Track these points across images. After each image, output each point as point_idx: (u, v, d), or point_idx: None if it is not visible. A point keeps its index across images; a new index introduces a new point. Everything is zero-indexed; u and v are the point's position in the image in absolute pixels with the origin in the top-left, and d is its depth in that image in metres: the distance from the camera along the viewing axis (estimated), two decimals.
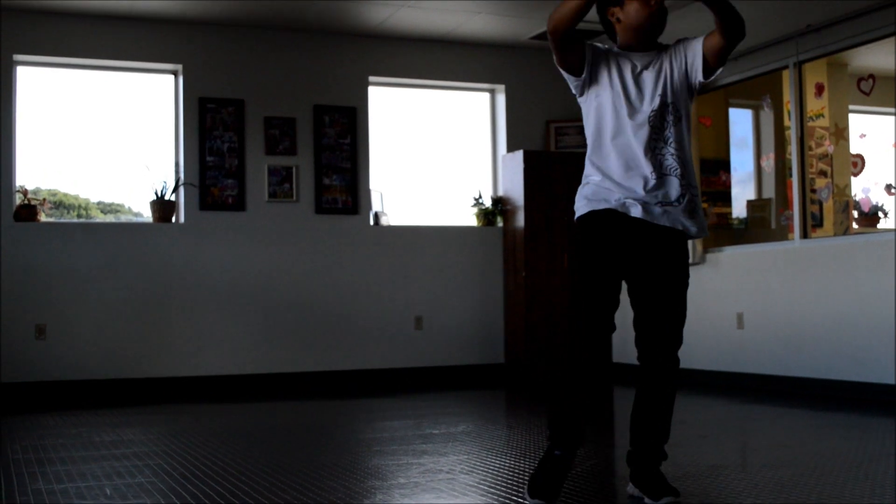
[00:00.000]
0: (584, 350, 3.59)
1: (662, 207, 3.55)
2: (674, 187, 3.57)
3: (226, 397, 8.16)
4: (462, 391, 8.49)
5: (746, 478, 4.19)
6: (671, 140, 3.58)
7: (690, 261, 8.30)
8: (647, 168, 3.54)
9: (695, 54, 3.60)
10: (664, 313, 3.61)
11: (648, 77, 3.61)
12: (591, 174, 3.65)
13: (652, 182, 3.54)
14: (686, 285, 3.67)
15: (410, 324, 9.34)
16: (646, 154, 3.55)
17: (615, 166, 3.58)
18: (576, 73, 3.63)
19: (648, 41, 3.67)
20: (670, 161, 3.57)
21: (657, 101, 3.58)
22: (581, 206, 3.65)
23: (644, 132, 3.56)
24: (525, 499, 3.58)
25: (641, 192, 3.54)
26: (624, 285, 3.64)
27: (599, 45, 3.72)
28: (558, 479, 3.59)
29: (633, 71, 3.63)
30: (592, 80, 3.65)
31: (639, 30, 3.60)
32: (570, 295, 8.93)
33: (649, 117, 3.58)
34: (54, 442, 5.58)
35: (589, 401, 3.70)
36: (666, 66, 3.62)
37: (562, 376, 3.69)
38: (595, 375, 3.65)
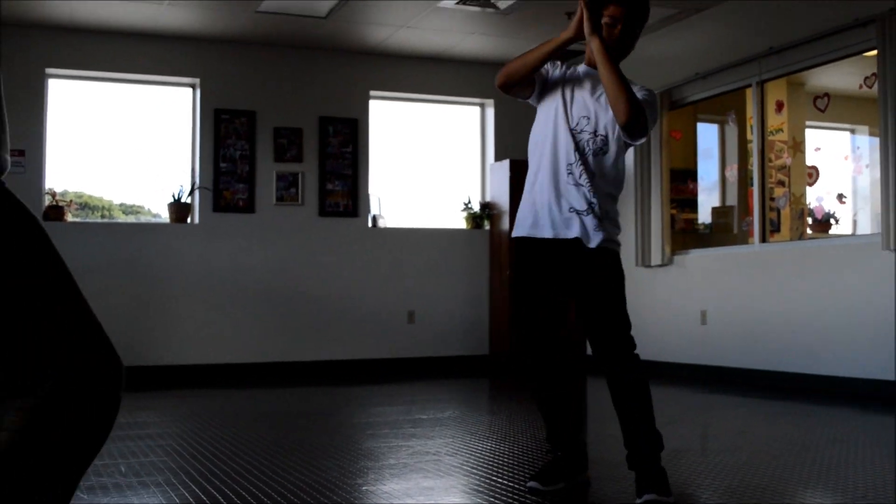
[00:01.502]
0: (527, 359, 3.59)
1: (571, 214, 3.45)
2: (583, 198, 3.44)
3: (234, 384, 8.16)
4: (449, 380, 8.50)
5: (706, 461, 4.21)
6: (589, 168, 3.45)
7: (659, 262, 8.36)
8: (561, 179, 3.48)
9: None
10: (600, 324, 3.46)
11: (590, 102, 3.52)
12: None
13: (561, 192, 3.47)
14: (612, 291, 3.47)
15: (404, 317, 9.34)
16: (565, 169, 3.47)
17: (533, 176, 3.58)
18: (525, 98, 3.69)
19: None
20: (584, 177, 3.45)
21: (591, 126, 3.49)
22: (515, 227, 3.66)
23: (569, 149, 3.47)
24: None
25: (551, 202, 3.48)
26: None
27: (559, 64, 3.68)
28: (557, 473, 3.56)
29: (578, 90, 3.56)
30: (542, 96, 3.63)
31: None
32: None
33: (577, 136, 3.49)
34: None
35: (557, 403, 3.62)
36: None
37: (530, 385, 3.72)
38: (547, 384, 3.59)
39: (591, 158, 3.45)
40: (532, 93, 3.63)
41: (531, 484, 3.54)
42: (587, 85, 3.55)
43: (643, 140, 3.55)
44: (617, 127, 3.43)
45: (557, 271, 3.51)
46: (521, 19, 8.15)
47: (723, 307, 7.97)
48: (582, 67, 3.62)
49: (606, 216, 3.47)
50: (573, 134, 3.47)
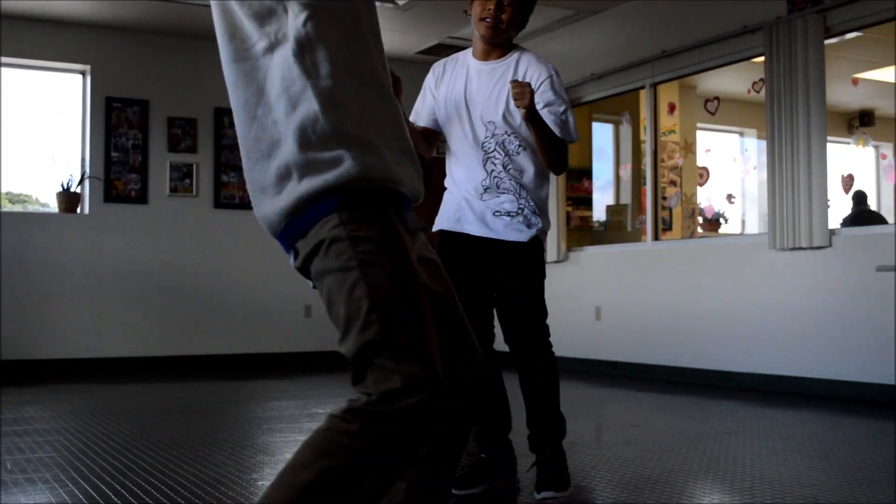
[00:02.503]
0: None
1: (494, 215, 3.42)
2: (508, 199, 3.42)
3: (126, 378, 8.00)
4: (347, 374, 8.43)
5: (600, 454, 4.26)
6: (511, 166, 3.42)
7: (555, 259, 8.45)
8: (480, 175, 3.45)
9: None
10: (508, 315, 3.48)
11: (485, 86, 3.44)
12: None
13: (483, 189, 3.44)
14: (526, 287, 3.46)
15: (301, 311, 9.27)
16: (481, 177, 3.44)
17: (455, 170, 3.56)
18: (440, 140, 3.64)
19: (489, 49, 3.47)
20: (508, 182, 3.42)
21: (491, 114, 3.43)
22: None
23: (479, 156, 3.44)
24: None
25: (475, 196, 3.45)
26: None
27: (436, 70, 3.57)
28: (477, 475, 3.46)
29: (469, 81, 3.47)
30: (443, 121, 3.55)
31: (478, 36, 3.43)
32: None
33: (483, 141, 3.44)
34: None
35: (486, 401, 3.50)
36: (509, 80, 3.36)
37: None
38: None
39: (511, 160, 3.42)
40: (437, 135, 3.61)
41: None
42: (483, 83, 3.45)
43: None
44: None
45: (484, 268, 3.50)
46: (418, 14, 8.16)
47: (617, 303, 8.10)
48: (473, 63, 3.49)
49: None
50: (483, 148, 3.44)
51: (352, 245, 1.72)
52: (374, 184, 1.78)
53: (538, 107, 3.30)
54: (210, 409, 6.18)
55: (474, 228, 3.43)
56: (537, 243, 3.48)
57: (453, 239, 3.49)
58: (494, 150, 3.42)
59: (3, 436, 4.76)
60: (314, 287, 1.85)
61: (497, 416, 3.56)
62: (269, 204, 1.84)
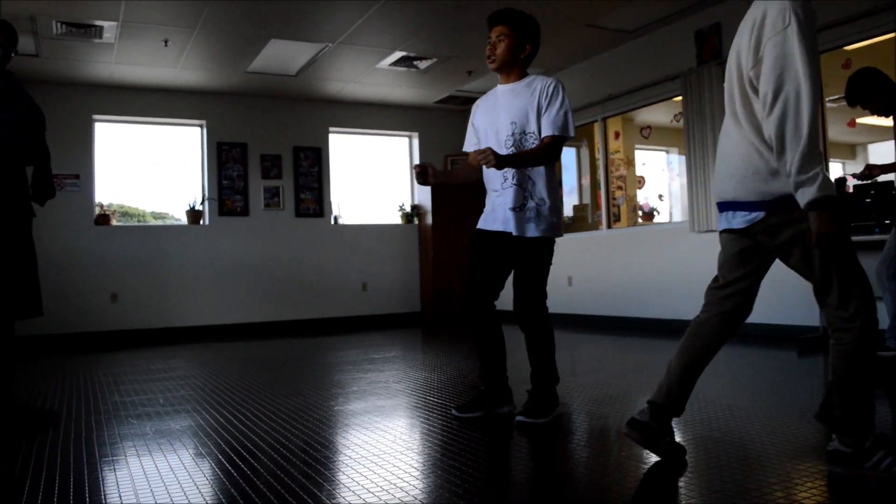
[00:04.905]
0: (466, 311, 3.26)
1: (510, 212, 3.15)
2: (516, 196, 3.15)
3: (237, 338, 8.04)
4: (393, 330, 8.46)
5: (575, 381, 4.21)
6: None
7: None
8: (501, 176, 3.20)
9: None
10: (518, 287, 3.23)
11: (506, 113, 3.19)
12: None
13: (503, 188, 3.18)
14: (530, 268, 3.18)
15: (359, 287, 9.29)
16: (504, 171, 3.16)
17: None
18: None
19: (506, 76, 3.22)
20: (524, 177, 3.16)
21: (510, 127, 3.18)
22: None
23: (503, 152, 3.16)
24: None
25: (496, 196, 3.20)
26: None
27: (476, 105, 3.35)
28: (476, 404, 3.27)
29: (497, 99, 3.23)
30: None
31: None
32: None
33: (506, 139, 3.17)
34: (125, 369, 5.48)
35: (492, 347, 3.26)
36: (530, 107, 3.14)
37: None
38: (482, 326, 3.25)
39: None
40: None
41: (454, 412, 3.30)
42: (507, 97, 3.21)
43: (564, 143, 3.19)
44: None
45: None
46: (434, 75, 8.16)
47: (583, 273, 8.07)
48: (500, 88, 3.26)
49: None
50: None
51: None
52: None
53: (548, 110, 3.12)
54: (297, 359, 6.18)
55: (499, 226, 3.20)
56: (545, 240, 3.18)
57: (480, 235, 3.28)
58: (513, 146, 3.16)
59: (157, 380, 4.81)
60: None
61: (499, 358, 3.32)
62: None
